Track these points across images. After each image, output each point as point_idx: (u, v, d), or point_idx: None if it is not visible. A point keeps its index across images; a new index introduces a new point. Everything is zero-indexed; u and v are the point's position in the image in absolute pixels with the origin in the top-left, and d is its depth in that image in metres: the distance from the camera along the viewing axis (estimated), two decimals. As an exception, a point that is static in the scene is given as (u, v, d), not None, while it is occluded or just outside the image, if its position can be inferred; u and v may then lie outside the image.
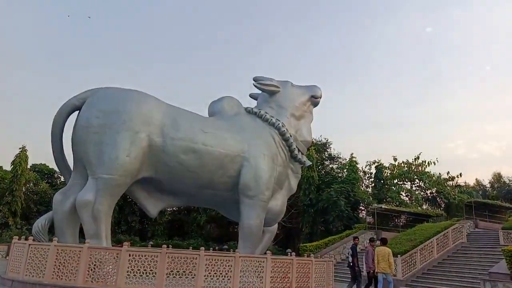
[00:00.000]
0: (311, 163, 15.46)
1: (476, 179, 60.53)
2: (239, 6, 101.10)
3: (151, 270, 8.70)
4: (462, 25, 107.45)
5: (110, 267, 8.72)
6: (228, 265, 9.46)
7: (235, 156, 11.37)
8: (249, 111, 12.98)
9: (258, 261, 10.09)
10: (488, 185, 58.91)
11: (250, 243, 11.43)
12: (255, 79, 12.99)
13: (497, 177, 59.16)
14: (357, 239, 14.52)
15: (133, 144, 9.88)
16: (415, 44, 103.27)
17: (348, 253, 14.38)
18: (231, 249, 15.67)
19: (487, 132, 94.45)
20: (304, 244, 24.59)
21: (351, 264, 13.26)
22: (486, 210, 32.40)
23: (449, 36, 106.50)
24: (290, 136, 12.64)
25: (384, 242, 12.87)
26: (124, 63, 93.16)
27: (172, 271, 8.96)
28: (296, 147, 12.85)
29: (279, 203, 12.70)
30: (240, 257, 9.77)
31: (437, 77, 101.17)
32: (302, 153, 13.15)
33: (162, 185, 11.02)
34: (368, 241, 16.41)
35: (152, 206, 11.30)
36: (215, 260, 9.40)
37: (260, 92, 13.45)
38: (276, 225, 13.45)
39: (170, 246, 13.25)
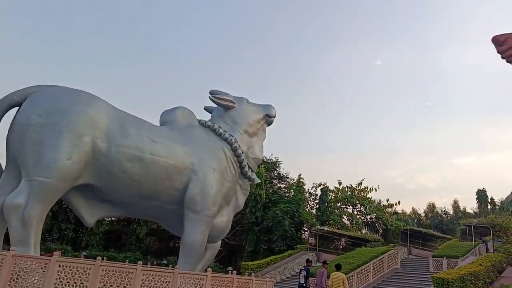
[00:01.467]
0: (260, 181, 15.50)
1: (412, 207, 64.18)
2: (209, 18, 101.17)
3: (81, 283, 8.09)
4: (409, 61, 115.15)
5: (36, 277, 7.99)
6: (166, 282, 9.05)
7: (183, 169, 11.02)
8: (202, 123, 12.77)
9: (198, 279, 9.77)
10: (423, 214, 62.54)
11: (191, 260, 11.04)
12: (211, 93, 12.87)
13: (431, 207, 63.06)
14: (310, 262, 14.96)
15: (75, 148, 9.25)
16: (365, 74, 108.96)
17: (300, 274, 14.44)
18: (171, 265, 15.11)
19: (424, 165, 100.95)
20: (246, 263, 24.41)
21: (304, 285, 13.57)
22: (420, 238, 34.23)
23: (397, 70, 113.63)
24: (242, 152, 12.57)
25: (338, 267, 13.35)
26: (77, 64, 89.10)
27: (105, 285, 8.39)
28: (247, 164, 12.79)
29: (224, 219, 12.46)
30: (179, 273, 9.40)
31: (384, 108, 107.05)
32: (252, 170, 13.10)
33: (103, 193, 10.39)
34: (305, 262, 16.68)
35: (89, 214, 10.58)
36: (152, 275, 8.95)
37: (215, 105, 13.33)
38: (219, 242, 13.18)
39: (105, 258, 12.50)
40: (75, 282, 8.03)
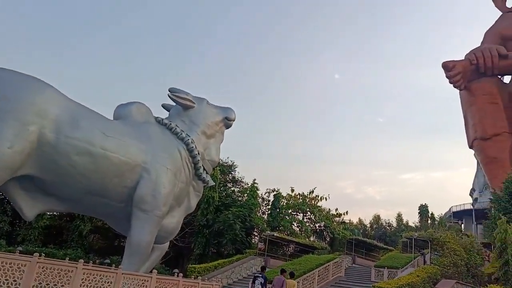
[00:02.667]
0: (214, 183, 15.32)
1: (359, 218, 66.53)
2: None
3: (14, 281, 7.55)
4: (365, 77, 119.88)
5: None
6: (108, 282, 8.70)
7: (135, 166, 10.65)
8: (159, 121, 12.42)
9: (142, 280, 9.49)
10: (368, 225, 64.99)
11: (137, 260, 10.67)
12: (170, 90, 12.58)
13: (377, 219, 65.70)
14: (264, 269, 15.01)
15: (19, 136, 8.65)
16: (324, 87, 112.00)
17: (256, 281, 14.17)
18: (114, 264, 14.53)
19: (373, 177, 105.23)
20: (193, 266, 24.03)
21: None
22: (364, 247, 35.47)
23: (353, 85, 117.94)
24: (198, 153, 12.37)
25: (292, 275, 13.53)
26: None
27: (40, 283, 7.89)
28: (202, 165, 12.61)
29: (174, 220, 12.19)
30: (122, 274, 9.07)
31: (339, 121, 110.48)
32: (207, 172, 12.94)
33: (47, 186, 9.81)
34: (259, 268, 16.74)
35: (29, 208, 9.92)
36: (93, 275, 8.57)
37: (174, 104, 13.03)
38: (167, 243, 12.88)
39: (43, 254, 11.80)
40: (6, 279, 7.49)
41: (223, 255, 29.12)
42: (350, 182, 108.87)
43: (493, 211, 28.62)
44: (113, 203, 10.72)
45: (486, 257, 27.35)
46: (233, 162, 37.93)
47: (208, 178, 12.91)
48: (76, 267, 8.32)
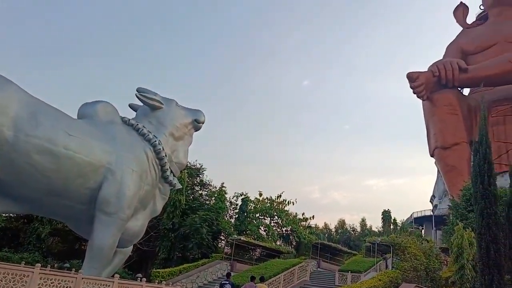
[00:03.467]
0: (181, 186, 15.10)
1: (325, 222, 67.61)
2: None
3: (-37, 287, 7.12)
4: (333, 84, 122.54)
5: None
6: (67, 287, 8.34)
7: (99, 167, 10.30)
8: (125, 121, 12.08)
9: (103, 285, 9.18)
10: (334, 230, 66.14)
11: (98, 264, 10.31)
12: (138, 90, 12.30)
13: (342, 224, 67.02)
14: (230, 276, 14.95)
15: (-26, 134, 8.19)
16: (293, 93, 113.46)
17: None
18: (74, 269, 14.00)
19: (339, 183, 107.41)
20: (158, 270, 23.56)
21: None
22: (329, 252, 36.06)
23: (322, 91, 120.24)
24: (165, 155, 12.12)
25: (262, 279, 13.53)
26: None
27: (-8, 289, 7.48)
28: (169, 168, 12.37)
29: (139, 223, 11.88)
30: (82, 278, 8.74)
31: (307, 126, 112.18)
32: (174, 175, 12.71)
33: (2, 187, 9.32)
34: (225, 275, 16.65)
35: (-17, 209, 9.40)
36: (51, 280, 8.20)
37: (141, 104, 12.74)
38: (131, 247, 12.53)
39: (-3, 258, 11.18)
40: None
41: (189, 259, 28.72)
42: (317, 187, 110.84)
43: (451, 218, 29.81)
44: (74, 205, 10.33)
45: (444, 262, 28.46)
46: (202, 165, 37.63)
47: (175, 181, 12.69)
48: (33, 272, 7.94)
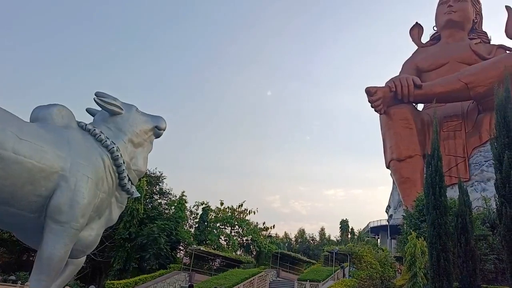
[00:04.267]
0: (139, 195, 14.64)
1: (285, 232, 68.02)
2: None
3: None
4: (295, 95, 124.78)
5: None
6: (11, 302, 7.80)
7: (52, 173, 9.76)
8: (82, 126, 11.55)
9: (52, 298, 8.65)
10: (293, 239, 66.65)
11: (47, 276, 9.68)
12: (97, 94, 11.84)
13: (301, 233, 67.66)
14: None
15: None
16: (257, 103, 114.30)
17: None
18: (20, 281, 13.15)
19: (299, 192, 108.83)
20: (112, 281, 22.67)
21: None
22: (289, 261, 36.24)
23: (284, 102, 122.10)
24: (123, 162, 11.69)
25: None
26: None
27: None
28: (127, 175, 11.93)
29: (93, 233, 11.32)
30: (29, 292, 8.20)
31: (270, 136, 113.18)
32: (132, 183, 12.28)
33: None
34: (188, 285, 16.35)
35: None
36: (-6, 294, 7.64)
37: (100, 109, 12.29)
38: (83, 258, 11.94)
39: None
40: None
41: (146, 270, 27.86)
42: (278, 196, 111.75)
43: (405, 227, 30.93)
44: (23, 213, 9.70)
45: (398, 270, 29.43)
46: (161, 173, 36.84)
47: (133, 189, 12.26)
48: (-27, 285, 7.36)
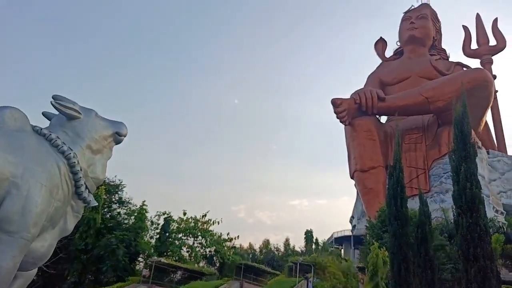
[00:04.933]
0: (97, 203, 13.94)
1: (249, 242, 67.46)
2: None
3: None
4: (261, 104, 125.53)
5: None
6: None
7: (2, 180, 9.02)
8: (36, 130, 10.84)
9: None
10: (258, 250, 66.22)
11: (-9, 290, 8.91)
12: (54, 97, 11.17)
13: (266, 244, 67.36)
14: None
15: None
16: (224, 111, 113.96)
17: None
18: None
19: (265, 202, 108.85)
20: (66, 295, 21.40)
21: None
22: (253, 272, 35.84)
23: (251, 110, 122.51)
24: (80, 169, 11.04)
25: None
26: None
27: None
28: (84, 183, 11.29)
29: (46, 244, 10.55)
30: (-33, 309, 7.44)
31: (236, 145, 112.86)
32: (89, 191, 11.63)
33: None
34: None
35: None
36: None
37: (57, 112, 11.62)
38: (34, 270, 11.12)
39: None
40: None
41: (102, 283, 26.59)
42: (243, 207, 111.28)
43: (368, 237, 31.46)
44: (-32, 223, 8.91)
45: (361, 280, 29.79)
46: (121, 182, 35.46)
47: (91, 197, 11.61)
48: None
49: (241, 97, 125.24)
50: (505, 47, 58.66)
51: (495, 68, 56.96)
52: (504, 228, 31.66)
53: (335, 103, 45.29)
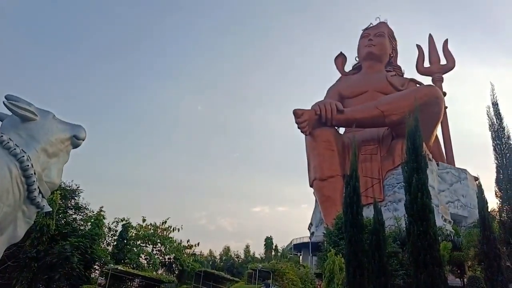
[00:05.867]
0: (51, 209, 13.44)
1: (210, 249, 66.88)
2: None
3: None
4: (224, 112, 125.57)
5: None
6: None
7: None
8: (-14, 132, 10.40)
9: None
10: (218, 257, 65.77)
11: None
12: (7, 98, 10.72)
13: (226, 251, 67.06)
14: None
15: None
16: (187, 117, 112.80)
17: None
18: None
19: (226, 209, 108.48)
20: (13, 306, 20.28)
21: None
22: (212, 279, 35.62)
23: (214, 117, 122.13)
24: (34, 173, 10.63)
25: None
26: None
27: None
28: (38, 187, 10.87)
29: (-8, 252, 10.10)
30: None
31: (199, 151, 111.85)
32: (43, 196, 11.20)
33: None
34: None
35: None
36: None
37: (10, 113, 11.15)
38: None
39: None
40: None
41: (54, 292, 25.45)
42: (205, 213, 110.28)
43: (325, 244, 32.19)
44: None
45: (318, 286, 30.39)
46: (78, 186, 34.16)
47: (44, 203, 11.18)
48: None
49: (205, 104, 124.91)
50: (454, 66, 62.62)
51: (445, 86, 60.56)
52: (451, 236, 33.46)
53: (297, 113, 46.34)
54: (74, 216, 33.53)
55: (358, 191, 21.59)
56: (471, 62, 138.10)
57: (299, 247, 58.80)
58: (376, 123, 47.76)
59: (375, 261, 20.70)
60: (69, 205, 33.14)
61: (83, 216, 33.78)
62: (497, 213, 22.34)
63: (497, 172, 21.08)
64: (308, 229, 57.58)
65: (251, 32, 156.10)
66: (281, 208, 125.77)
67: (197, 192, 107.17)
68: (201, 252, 51.76)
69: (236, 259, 64.86)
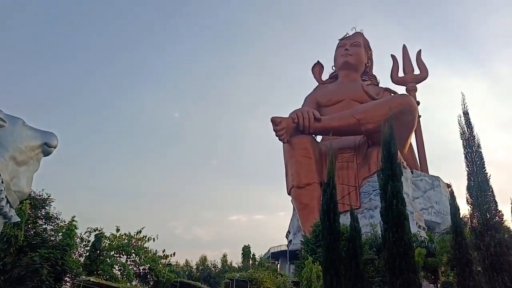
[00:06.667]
0: (19, 219, 12.88)
1: (186, 259, 65.74)
2: None
3: None
4: (202, 118, 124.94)
5: None
6: None
7: None
8: (-48, 139, 9.90)
9: None
10: (195, 266, 64.70)
11: None
12: (-26, 104, 10.33)
13: (203, 260, 66.07)
14: None
15: None
16: (163, 124, 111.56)
17: None
18: None
19: (203, 218, 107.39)
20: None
21: None
22: (188, 290, 34.90)
23: (191, 124, 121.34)
24: (2, 182, 10.21)
25: None
26: None
27: None
28: (6, 197, 10.41)
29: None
30: None
31: (174, 159, 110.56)
32: (11, 206, 10.74)
33: None
34: None
35: None
36: None
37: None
38: None
39: None
40: None
41: (22, 306, 24.32)
42: (181, 222, 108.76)
43: (303, 252, 32.22)
44: None
45: (295, 295, 30.30)
46: (49, 196, 32.95)
47: (12, 212, 10.71)
48: None
49: (182, 110, 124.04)
50: (427, 76, 64.70)
51: (418, 95, 62.36)
52: (425, 243, 34.15)
53: (275, 121, 46.59)
54: (44, 226, 32.30)
55: (335, 198, 21.73)
56: (444, 72, 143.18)
57: (277, 255, 58.67)
58: (353, 131, 48.54)
59: (351, 268, 20.83)
60: (39, 214, 31.92)
61: (54, 226, 32.58)
62: (469, 219, 22.95)
63: (468, 179, 21.68)
64: (286, 237, 57.56)
65: (230, 37, 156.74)
66: (259, 216, 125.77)
67: (172, 200, 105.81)
68: (177, 262, 50.94)
69: (213, 268, 63.94)
